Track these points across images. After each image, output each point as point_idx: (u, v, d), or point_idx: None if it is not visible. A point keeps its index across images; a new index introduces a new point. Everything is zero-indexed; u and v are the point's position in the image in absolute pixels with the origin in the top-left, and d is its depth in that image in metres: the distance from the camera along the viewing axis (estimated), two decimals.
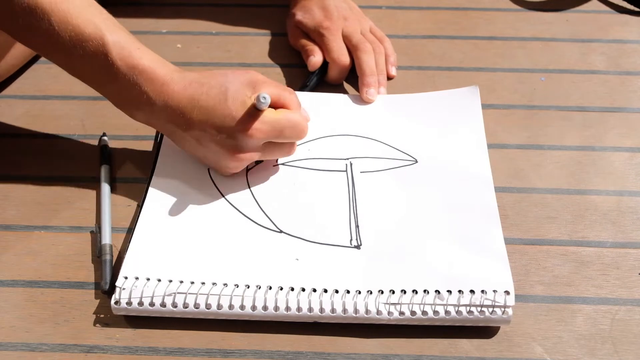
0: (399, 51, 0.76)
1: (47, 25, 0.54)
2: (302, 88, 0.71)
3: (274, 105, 0.57)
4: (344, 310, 0.51)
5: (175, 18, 0.82)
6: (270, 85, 0.57)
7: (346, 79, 0.73)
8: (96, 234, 0.58)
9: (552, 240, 0.58)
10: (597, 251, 0.58)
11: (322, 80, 0.73)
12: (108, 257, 0.55)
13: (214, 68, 0.74)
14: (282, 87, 0.59)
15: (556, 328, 0.52)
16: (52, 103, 0.71)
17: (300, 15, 0.76)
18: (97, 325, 0.52)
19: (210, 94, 0.55)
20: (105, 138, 0.66)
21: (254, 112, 0.55)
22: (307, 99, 0.69)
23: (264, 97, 0.54)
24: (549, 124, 0.69)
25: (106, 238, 0.57)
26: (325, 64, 0.73)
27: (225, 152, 0.57)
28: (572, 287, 0.55)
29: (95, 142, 0.66)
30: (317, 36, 0.74)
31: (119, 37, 0.55)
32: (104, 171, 0.62)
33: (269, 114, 0.56)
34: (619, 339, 0.52)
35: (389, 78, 0.73)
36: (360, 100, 0.69)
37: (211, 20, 0.82)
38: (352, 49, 0.72)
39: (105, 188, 0.61)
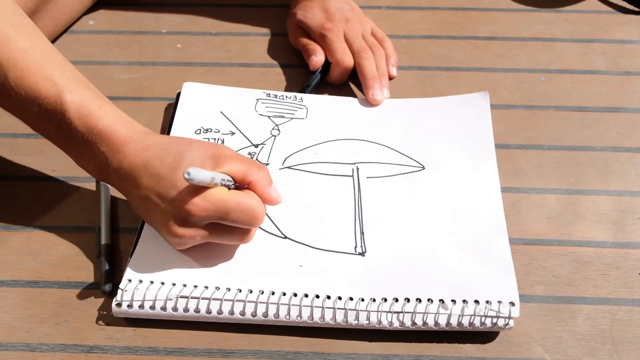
0: (399, 51, 0.76)
1: (2, 80, 0.52)
2: (303, 88, 0.71)
3: (241, 183, 0.53)
4: (345, 319, 0.51)
5: (175, 18, 0.82)
6: (235, 160, 0.52)
7: (348, 79, 0.73)
8: (96, 234, 0.58)
9: (552, 240, 0.58)
10: (597, 251, 0.58)
11: (323, 81, 0.73)
12: (108, 257, 0.55)
13: (214, 68, 0.75)
14: (251, 163, 0.53)
15: (556, 328, 0.52)
16: None
17: (301, 15, 0.76)
18: (97, 325, 0.52)
19: (164, 161, 0.51)
20: None
21: (198, 187, 0.50)
22: (315, 101, 0.69)
23: (188, 173, 0.47)
24: (549, 124, 0.69)
25: (106, 238, 0.57)
26: (326, 65, 0.73)
27: (166, 224, 0.51)
28: (572, 287, 0.55)
29: None
30: (319, 37, 0.74)
31: (78, 95, 0.52)
32: None
33: (217, 192, 0.50)
34: (619, 339, 0.52)
35: (390, 78, 0.73)
36: (368, 103, 0.69)
37: (211, 20, 0.82)
38: (353, 54, 0.72)
39: (105, 188, 0.61)
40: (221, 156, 0.52)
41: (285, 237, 0.57)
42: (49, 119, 0.53)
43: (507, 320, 0.50)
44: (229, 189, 0.52)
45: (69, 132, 0.53)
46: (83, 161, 0.55)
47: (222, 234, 0.53)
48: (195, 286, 0.52)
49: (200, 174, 0.48)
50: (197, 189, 0.50)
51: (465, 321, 0.51)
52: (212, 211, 0.50)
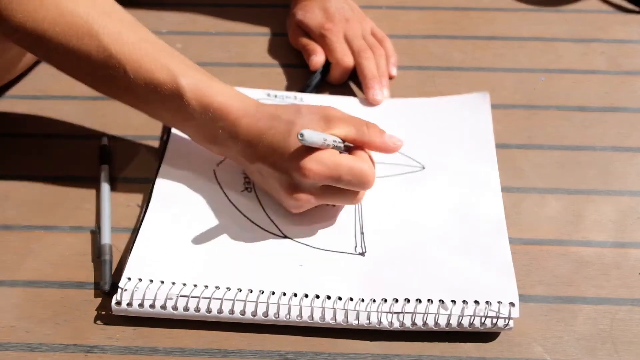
0: (399, 51, 0.76)
1: (122, 75, 0.55)
2: (304, 88, 0.71)
3: (355, 143, 0.55)
4: (345, 319, 0.51)
5: (176, 18, 0.82)
6: (346, 122, 0.54)
7: (348, 79, 0.73)
8: (96, 234, 0.58)
9: (552, 240, 0.58)
10: (597, 251, 0.58)
11: (323, 81, 0.73)
12: (108, 257, 0.55)
13: (214, 68, 0.75)
14: (361, 123, 0.55)
15: (556, 328, 0.52)
16: (53, 103, 0.71)
17: (301, 15, 0.76)
18: (97, 325, 0.52)
19: (277, 129, 0.54)
20: (105, 138, 0.66)
21: (311, 150, 0.52)
22: (315, 101, 0.69)
23: (301, 134, 0.49)
24: (549, 124, 0.69)
25: (106, 238, 0.57)
26: (327, 64, 0.73)
27: (283, 190, 0.55)
28: (573, 287, 0.55)
29: (95, 142, 0.66)
30: (318, 37, 0.74)
31: (192, 78, 0.56)
32: (104, 171, 0.62)
33: (329, 155, 0.52)
34: (619, 339, 0.52)
35: (390, 78, 0.73)
36: (368, 103, 0.69)
37: (211, 20, 0.82)
38: (353, 54, 0.72)
39: (105, 188, 0.61)
40: (331, 118, 0.54)
41: (285, 237, 0.57)
42: (168, 104, 0.56)
43: (507, 320, 0.50)
44: (340, 151, 0.54)
45: (187, 113, 0.56)
46: (204, 139, 0.58)
47: (334, 196, 0.55)
48: (195, 285, 0.52)
49: (313, 136, 0.50)
50: (310, 153, 0.52)
51: (465, 322, 0.51)
52: (325, 174, 0.52)
